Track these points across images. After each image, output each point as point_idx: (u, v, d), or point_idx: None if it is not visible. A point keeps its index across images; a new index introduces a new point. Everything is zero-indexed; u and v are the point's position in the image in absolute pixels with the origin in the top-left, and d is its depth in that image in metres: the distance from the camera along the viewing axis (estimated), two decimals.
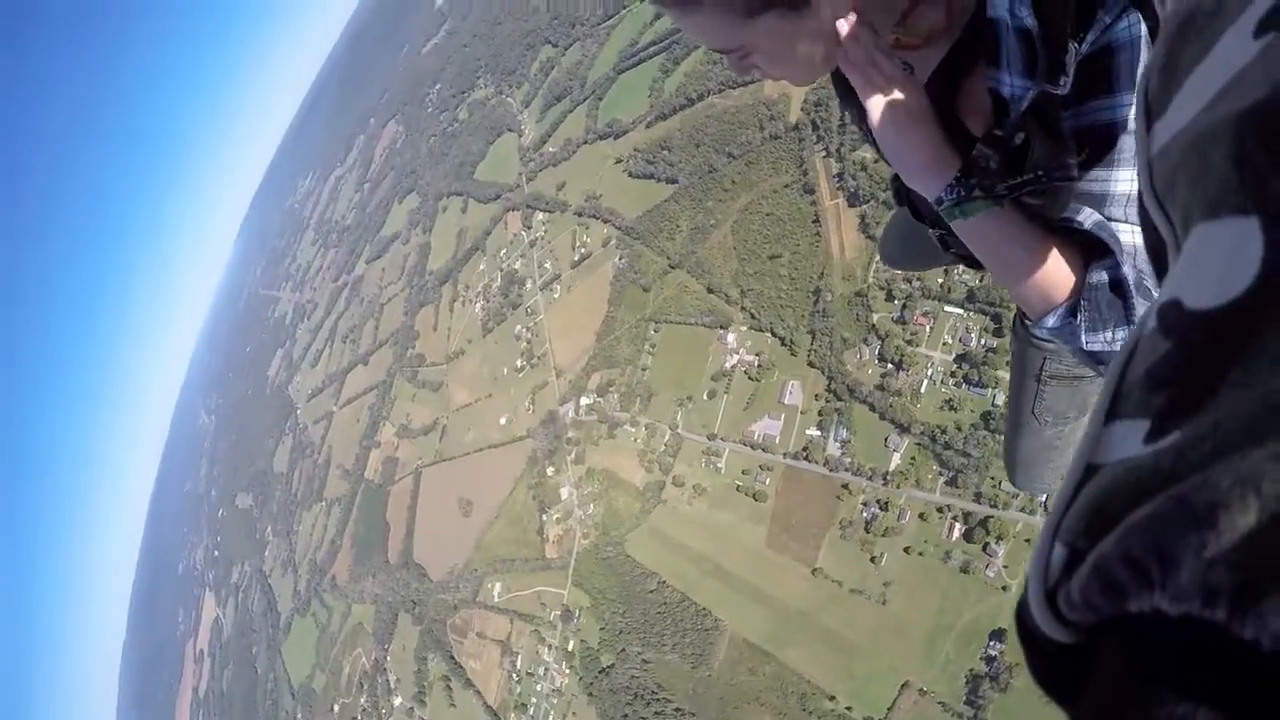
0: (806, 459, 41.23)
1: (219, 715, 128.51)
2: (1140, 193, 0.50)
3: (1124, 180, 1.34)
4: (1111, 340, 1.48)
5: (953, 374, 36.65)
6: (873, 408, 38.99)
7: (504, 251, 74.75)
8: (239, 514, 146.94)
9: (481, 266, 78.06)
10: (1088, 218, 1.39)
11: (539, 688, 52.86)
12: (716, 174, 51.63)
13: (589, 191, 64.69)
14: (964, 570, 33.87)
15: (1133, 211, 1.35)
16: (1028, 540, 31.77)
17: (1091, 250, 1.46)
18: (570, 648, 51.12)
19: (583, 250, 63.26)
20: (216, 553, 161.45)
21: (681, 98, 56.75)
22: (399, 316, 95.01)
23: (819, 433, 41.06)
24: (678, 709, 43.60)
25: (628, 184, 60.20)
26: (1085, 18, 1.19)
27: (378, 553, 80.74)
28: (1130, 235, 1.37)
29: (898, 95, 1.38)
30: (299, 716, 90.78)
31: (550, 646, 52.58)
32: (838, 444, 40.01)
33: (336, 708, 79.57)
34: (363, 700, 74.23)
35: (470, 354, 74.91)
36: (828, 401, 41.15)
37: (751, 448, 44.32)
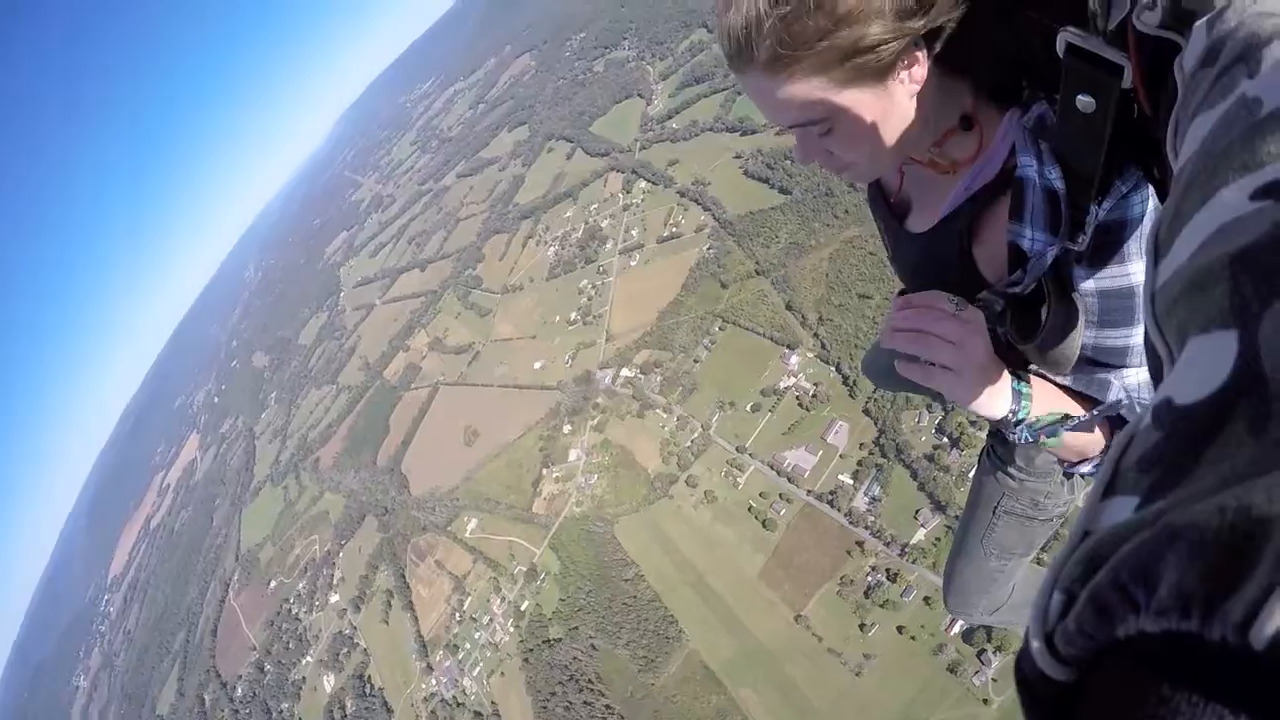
0: (830, 504, 39.14)
1: (161, 550, 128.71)
2: (1145, 319, 0.58)
3: (1138, 334, 1.44)
4: None
5: None
6: (914, 475, 36.72)
7: (595, 207, 73.63)
8: (251, 371, 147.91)
9: (568, 214, 76.99)
10: (1116, 394, 1.50)
11: (477, 635, 51.15)
12: (832, 199, 49.88)
13: (698, 176, 63.34)
14: (951, 670, 31.51)
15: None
16: None
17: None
18: (523, 607, 49.38)
19: (674, 229, 61.90)
20: (216, 399, 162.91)
21: None
22: (470, 236, 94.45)
23: (851, 482, 38.94)
24: (608, 706, 41.62)
25: (740, 181, 58.65)
26: (1105, 184, 1.29)
27: (368, 451, 79.90)
28: (1137, 377, 1.52)
29: (967, 349, 1.43)
30: (235, 577, 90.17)
31: (504, 599, 50.88)
32: (867, 499, 37.90)
33: (273, 584, 78.68)
34: (301, 585, 73.22)
35: (528, 292, 73.75)
36: (870, 453, 39.01)
37: (778, 473, 42.34)
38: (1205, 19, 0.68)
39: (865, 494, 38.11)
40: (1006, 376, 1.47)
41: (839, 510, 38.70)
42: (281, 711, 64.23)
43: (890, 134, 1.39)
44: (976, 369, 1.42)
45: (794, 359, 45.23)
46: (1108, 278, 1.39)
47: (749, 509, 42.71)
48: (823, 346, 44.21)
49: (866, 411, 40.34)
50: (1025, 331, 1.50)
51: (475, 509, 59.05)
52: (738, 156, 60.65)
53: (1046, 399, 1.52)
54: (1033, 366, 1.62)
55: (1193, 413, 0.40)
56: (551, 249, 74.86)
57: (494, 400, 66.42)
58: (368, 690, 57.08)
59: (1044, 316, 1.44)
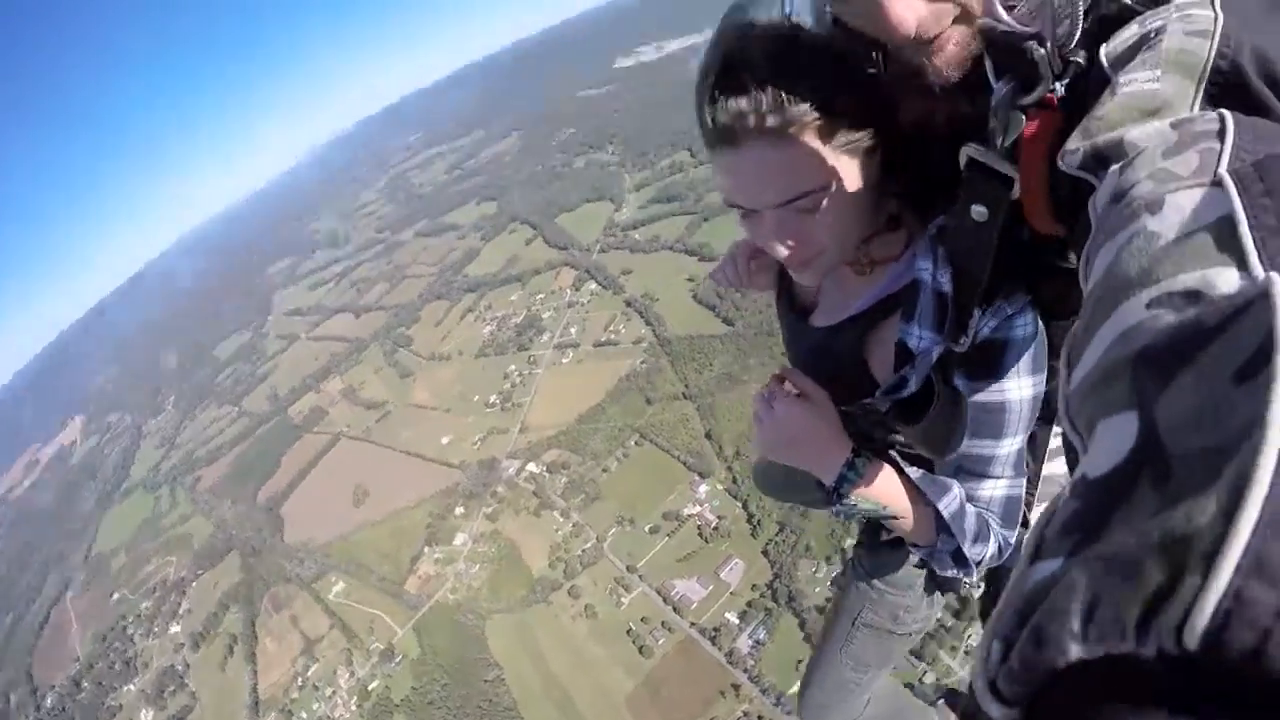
0: (712, 640, 38.41)
1: (10, 525, 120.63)
2: (1061, 419, 0.63)
3: (1005, 446, 1.53)
4: (953, 576, 1.76)
5: None
6: (803, 625, 36.29)
7: (541, 297, 74.17)
8: (157, 368, 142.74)
9: (513, 297, 77.45)
10: (947, 507, 1.57)
11: (315, 707, 47.91)
12: (773, 338, 50.32)
13: (648, 290, 64.23)
14: None
15: (1008, 468, 1.59)
16: None
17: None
18: (371, 688, 46.66)
19: (612, 336, 62.37)
20: (112, 386, 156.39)
21: None
22: (412, 295, 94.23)
23: (738, 621, 38.38)
24: None
25: (688, 304, 59.56)
26: (991, 293, 1.36)
27: (252, 483, 76.88)
28: (992, 490, 1.60)
29: (768, 431, 1.59)
30: (81, 578, 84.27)
31: (353, 674, 48.17)
32: (750, 641, 37.26)
33: (116, 596, 73.72)
34: (144, 605, 68.72)
35: (453, 364, 73.22)
36: (762, 596, 38.60)
37: (664, 600, 41.58)
38: (1118, 165, 0.77)
39: (750, 637, 37.51)
40: (840, 455, 1.57)
41: (720, 649, 37.92)
42: None
43: (860, 215, 1.41)
44: (782, 443, 1.58)
45: (703, 488, 45.04)
46: (983, 390, 1.46)
47: (627, 631, 41.57)
48: (734, 481, 44.13)
49: (765, 553, 40.13)
50: (909, 418, 1.54)
51: (346, 572, 56.58)
52: (690, 279, 61.65)
53: (880, 488, 1.60)
54: (895, 452, 1.73)
55: (1104, 481, 0.44)
56: (488, 327, 74.83)
57: (393, 464, 64.82)
58: None
59: (932, 408, 1.49)
